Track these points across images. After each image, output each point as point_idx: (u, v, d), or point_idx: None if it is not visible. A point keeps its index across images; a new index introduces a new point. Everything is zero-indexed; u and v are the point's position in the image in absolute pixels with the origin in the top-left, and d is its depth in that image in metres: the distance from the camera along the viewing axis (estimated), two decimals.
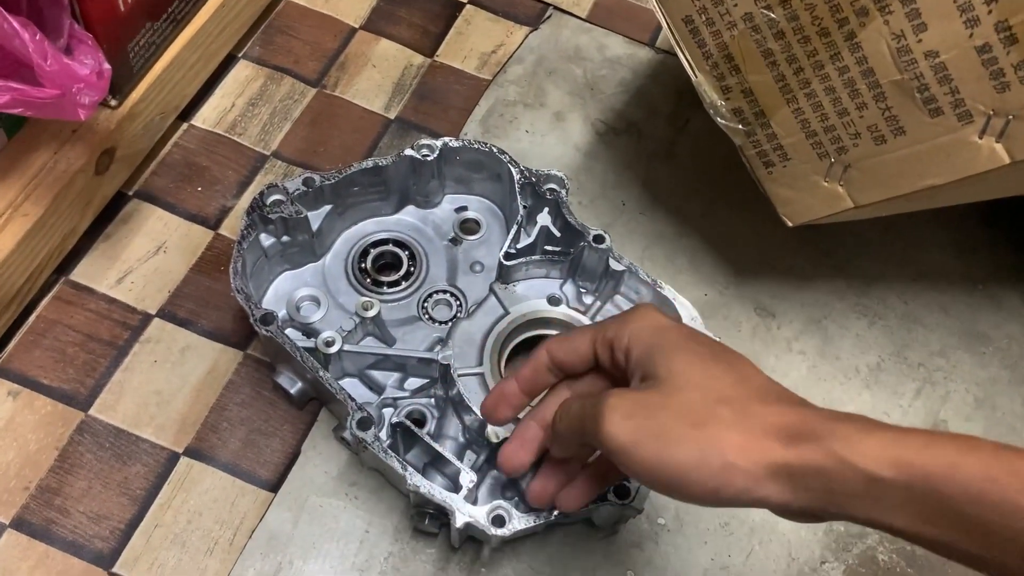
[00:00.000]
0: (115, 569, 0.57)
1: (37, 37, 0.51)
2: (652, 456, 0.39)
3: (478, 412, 0.57)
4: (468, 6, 0.86)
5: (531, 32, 0.85)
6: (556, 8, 0.87)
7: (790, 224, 0.62)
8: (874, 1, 0.51)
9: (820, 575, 0.62)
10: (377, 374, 0.63)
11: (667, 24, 0.59)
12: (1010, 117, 0.50)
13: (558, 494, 0.50)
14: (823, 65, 0.55)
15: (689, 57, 0.59)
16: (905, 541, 0.38)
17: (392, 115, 0.79)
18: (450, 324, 0.64)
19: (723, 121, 0.60)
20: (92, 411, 0.62)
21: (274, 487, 0.61)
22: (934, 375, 0.71)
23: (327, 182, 0.63)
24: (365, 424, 0.56)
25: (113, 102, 0.65)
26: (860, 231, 0.76)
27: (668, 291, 0.62)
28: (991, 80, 0.50)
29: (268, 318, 0.58)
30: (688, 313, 0.61)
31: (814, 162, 0.58)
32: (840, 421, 0.38)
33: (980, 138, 0.51)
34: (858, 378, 0.70)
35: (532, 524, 0.54)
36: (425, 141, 0.66)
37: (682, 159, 0.79)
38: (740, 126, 0.59)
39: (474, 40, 0.84)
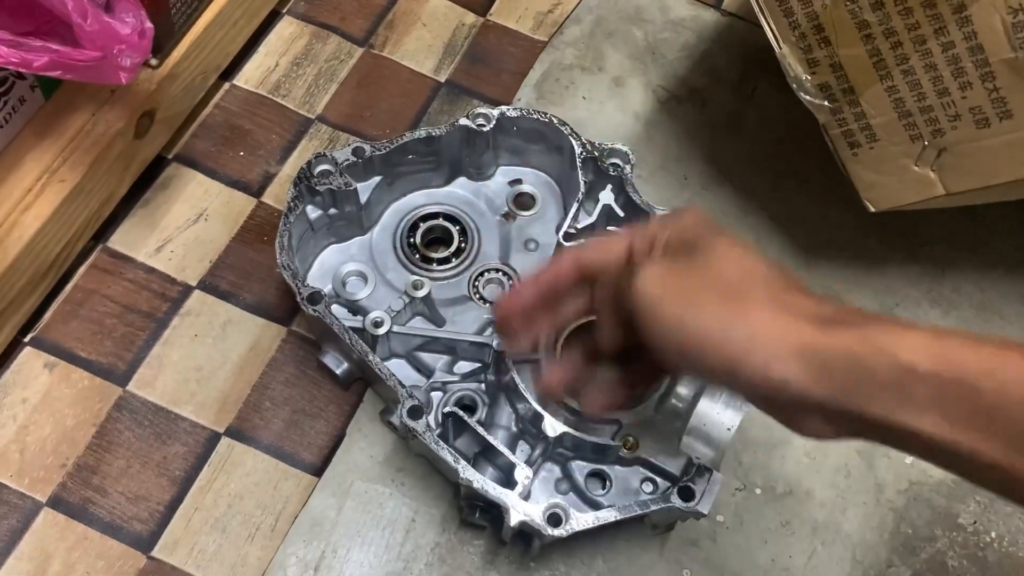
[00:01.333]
0: (154, 553, 0.56)
1: None
2: (676, 314, 0.39)
3: (533, 401, 0.54)
4: None
5: None
6: None
7: (873, 209, 0.58)
8: None
9: None
10: (426, 356, 0.60)
11: None
12: None
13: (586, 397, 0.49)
14: (925, 40, 0.50)
15: (774, 27, 0.54)
16: (920, 458, 0.36)
17: (442, 78, 0.75)
18: None
19: (807, 97, 0.55)
20: (130, 386, 0.60)
21: (318, 471, 0.59)
22: None
23: (378, 152, 0.60)
24: (416, 413, 0.53)
25: (154, 61, 0.62)
26: (934, 213, 0.71)
27: None
28: None
29: (315, 297, 0.55)
30: None
31: (905, 144, 0.54)
32: (879, 317, 0.37)
33: None
34: None
35: (590, 524, 0.51)
36: (481, 110, 0.62)
37: (748, 130, 0.75)
38: (826, 103, 0.55)
39: None
